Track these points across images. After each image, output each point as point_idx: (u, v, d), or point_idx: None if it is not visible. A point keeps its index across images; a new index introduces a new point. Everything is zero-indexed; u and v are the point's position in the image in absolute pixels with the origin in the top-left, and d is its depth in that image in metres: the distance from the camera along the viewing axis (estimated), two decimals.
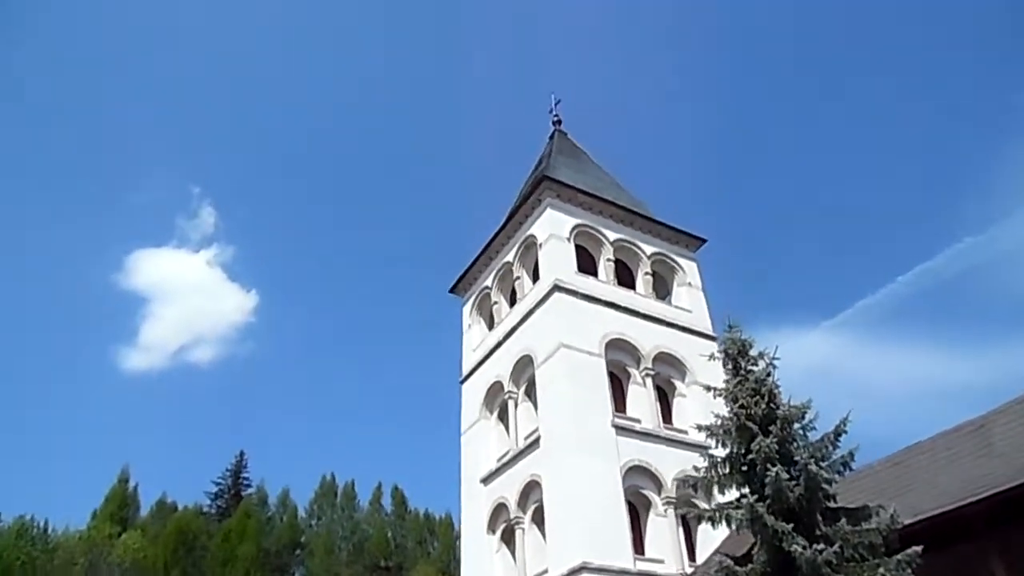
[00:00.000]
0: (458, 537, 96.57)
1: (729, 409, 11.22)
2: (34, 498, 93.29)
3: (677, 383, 20.98)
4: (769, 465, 9.81)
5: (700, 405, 19.78)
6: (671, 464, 18.52)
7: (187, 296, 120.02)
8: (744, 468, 10.80)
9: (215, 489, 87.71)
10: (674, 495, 18.13)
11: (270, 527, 79.99)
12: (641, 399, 19.83)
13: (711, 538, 18.17)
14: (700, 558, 17.83)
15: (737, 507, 10.28)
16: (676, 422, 20.19)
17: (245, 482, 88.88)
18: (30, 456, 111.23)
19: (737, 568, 9.67)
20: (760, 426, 10.62)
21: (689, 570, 17.09)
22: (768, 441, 10.13)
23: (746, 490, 10.81)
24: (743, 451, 10.85)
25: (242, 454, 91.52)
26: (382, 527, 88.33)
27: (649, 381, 20.21)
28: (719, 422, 11.38)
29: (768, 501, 9.74)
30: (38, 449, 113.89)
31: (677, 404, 20.78)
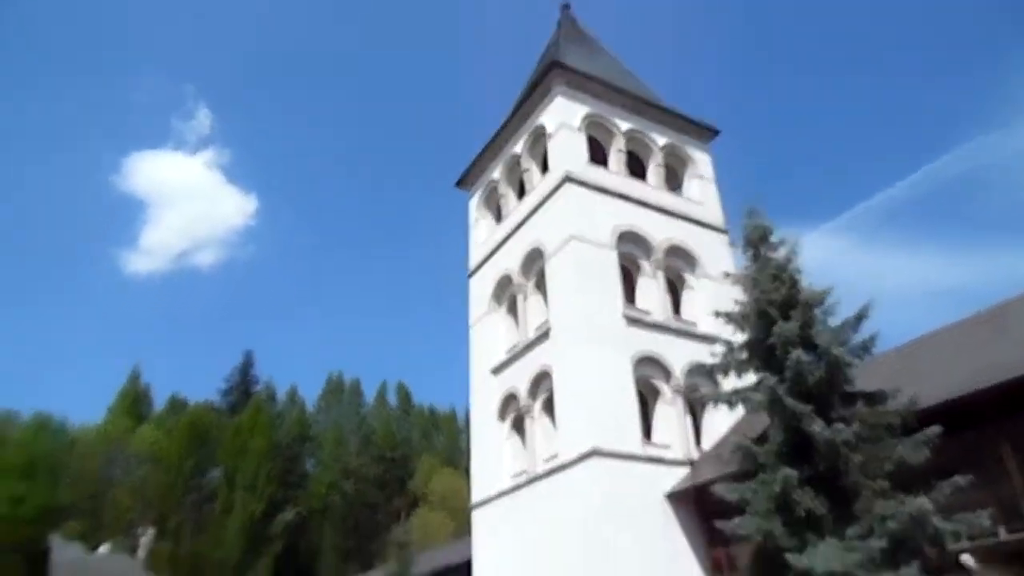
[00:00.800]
0: (461, 430, 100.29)
1: (748, 295, 11.08)
2: (50, 396, 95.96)
3: (687, 276, 20.85)
4: (790, 348, 9.74)
5: (710, 297, 19.79)
6: (680, 355, 18.65)
7: (186, 199, 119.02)
8: (762, 353, 10.77)
9: (225, 386, 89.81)
10: (683, 384, 18.33)
11: (280, 422, 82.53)
12: (651, 291, 19.75)
13: (717, 426, 18.59)
14: (706, 444, 18.24)
15: (755, 390, 10.31)
16: (686, 314, 20.20)
17: (253, 379, 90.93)
18: (45, 357, 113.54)
19: (754, 448, 9.76)
20: (780, 311, 10.51)
21: (696, 455, 17.49)
22: (789, 325, 10.03)
23: (763, 375, 10.87)
24: (762, 336, 10.79)
25: (249, 353, 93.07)
26: (388, 421, 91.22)
27: (660, 274, 20.06)
28: (738, 308, 11.28)
29: (787, 384, 9.73)
30: (52, 350, 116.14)
31: (687, 296, 20.73)
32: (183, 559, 63.60)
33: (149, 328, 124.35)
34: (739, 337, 11.28)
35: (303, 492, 77.53)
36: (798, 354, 9.57)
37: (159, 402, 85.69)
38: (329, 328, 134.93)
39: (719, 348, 11.46)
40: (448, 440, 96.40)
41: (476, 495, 20.34)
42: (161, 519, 66.90)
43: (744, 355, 11.00)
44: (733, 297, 12.01)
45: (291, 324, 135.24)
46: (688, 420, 18.36)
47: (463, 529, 57.12)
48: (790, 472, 8.95)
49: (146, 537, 52.43)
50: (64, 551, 25.47)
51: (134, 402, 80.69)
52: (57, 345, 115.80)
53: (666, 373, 18.40)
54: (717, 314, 11.52)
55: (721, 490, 9.74)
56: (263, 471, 70.14)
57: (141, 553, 47.33)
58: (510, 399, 20.09)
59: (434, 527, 60.31)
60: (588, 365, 17.20)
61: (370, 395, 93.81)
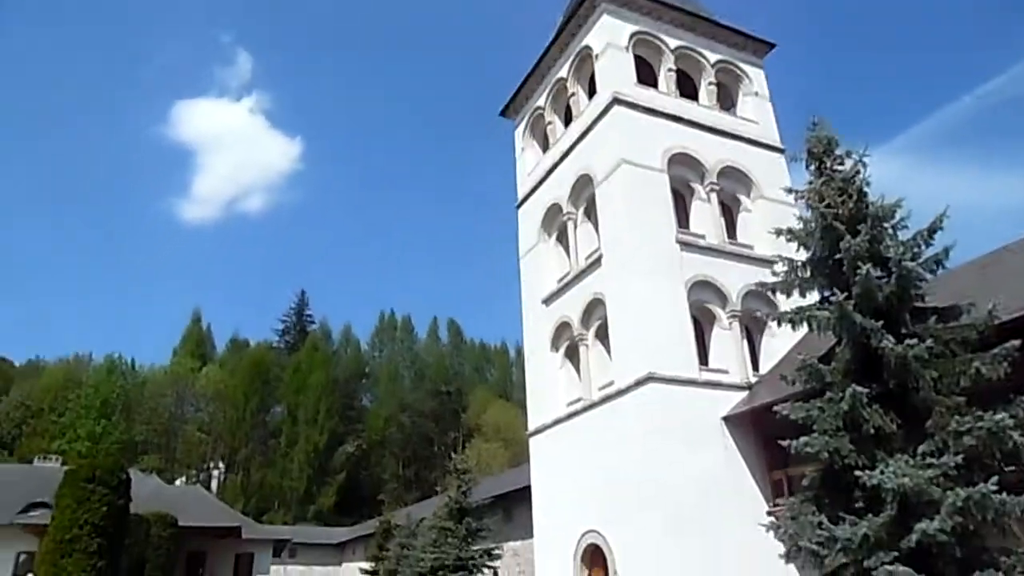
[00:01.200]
0: (513, 364, 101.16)
1: (813, 211, 10.62)
2: (119, 341, 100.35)
3: (742, 197, 20.21)
4: (859, 263, 9.33)
5: (766, 219, 19.14)
6: (736, 278, 18.25)
7: (233, 146, 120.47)
8: (828, 270, 10.38)
9: (281, 326, 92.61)
10: (739, 308, 17.99)
11: (336, 359, 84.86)
12: (705, 215, 19.23)
13: (774, 350, 18.28)
14: (764, 368, 17.99)
15: (821, 308, 9.98)
16: (741, 237, 19.67)
17: (308, 319, 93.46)
18: (111, 304, 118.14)
19: (821, 366, 9.51)
20: (848, 226, 10.05)
21: (753, 379, 17.29)
22: (858, 240, 9.59)
23: (829, 292, 10.53)
24: (828, 253, 10.38)
25: (303, 293, 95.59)
26: (440, 356, 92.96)
27: (713, 196, 19.48)
28: (800, 225, 10.85)
29: (855, 301, 9.37)
30: (117, 297, 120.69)
31: (742, 219, 20.14)
32: (253, 489, 66.95)
33: (206, 273, 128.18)
34: (802, 255, 10.88)
35: (362, 426, 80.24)
36: (867, 269, 9.16)
37: (220, 343, 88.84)
38: (379, 267, 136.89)
39: (781, 267, 11.08)
40: (500, 373, 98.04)
41: (532, 423, 20.63)
42: (230, 453, 70.30)
43: (808, 273, 10.61)
44: (791, 217, 11.58)
45: (342, 264, 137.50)
46: (744, 344, 18.09)
47: (518, 458, 58.52)
48: (859, 389, 8.69)
49: (217, 470, 55.38)
50: (143, 483, 26.96)
51: (197, 343, 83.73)
52: (123, 292, 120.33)
53: (722, 297, 18.06)
54: (779, 232, 11.08)
55: (786, 410, 9.55)
56: (323, 406, 72.67)
57: (214, 485, 49.94)
58: (563, 328, 20.07)
59: (489, 457, 61.86)
60: (641, 291, 16.97)
61: (422, 332, 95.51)
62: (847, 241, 9.66)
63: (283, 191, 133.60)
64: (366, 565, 31.60)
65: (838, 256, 9.85)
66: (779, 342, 18.25)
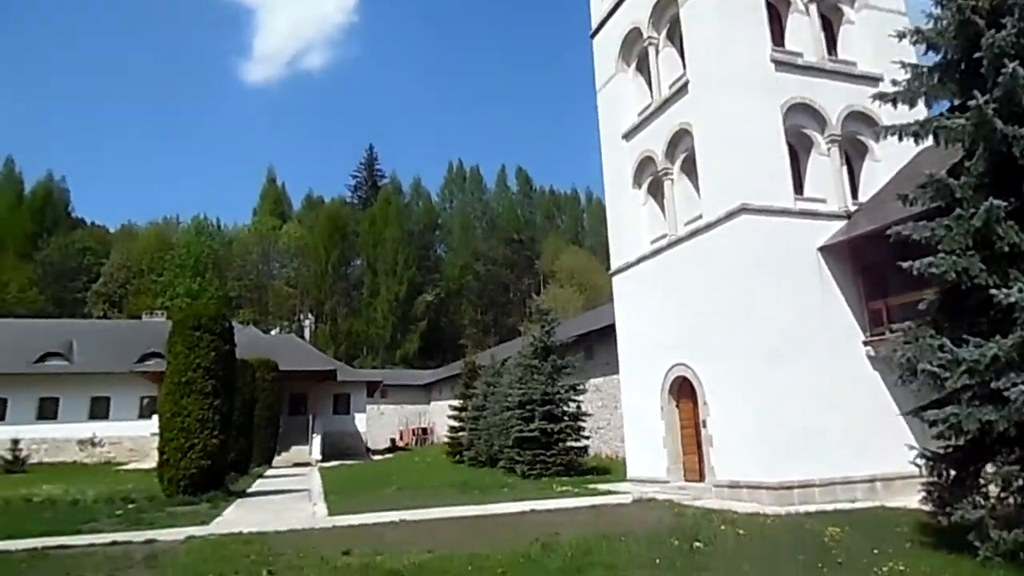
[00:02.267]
0: (583, 210, 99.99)
1: (946, 6, 9.27)
2: (203, 203, 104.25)
3: (844, 8, 18.13)
4: (1003, 62, 8.18)
5: (872, 31, 17.32)
6: (836, 99, 16.76)
7: (289, 2, 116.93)
8: (961, 73, 9.21)
9: (353, 182, 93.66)
10: (839, 132, 16.67)
11: (408, 212, 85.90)
12: (802, 30, 17.41)
13: (875, 177, 17.08)
14: (863, 196, 16.92)
15: (951, 116, 8.94)
16: (842, 53, 17.85)
17: (379, 174, 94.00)
18: (190, 167, 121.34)
19: (951, 181, 8.65)
20: (988, 19, 8.76)
21: (853, 208, 16.30)
22: (1002, 34, 8.35)
23: (953, 103, 9.44)
24: (960, 55, 9.17)
25: (371, 148, 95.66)
26: (511, 205, 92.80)
27: (812, 7, 17.55)
28: (931, 23, 9.53)
29: (996, 105, 8.31)
30: (195, 160, 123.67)
31: (844, 33, 18.18)
32: (342, 337, 70.77)
33: (276, 133, 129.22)
34: (928, 60, 9.67)
35: (439, 275, 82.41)
36: (1013, 68, 8.02)
37: (296, 201, 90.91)
38: (444, 117, 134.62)
39: (903, 75, 9.90)
40: (571, 220, 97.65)
41: (615, 262, 20.38)
42: (318, 305, 73.85)
43: (936, 79, 9.45)
44: (902, 26, 10.17)
45: (407, 116, 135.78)
46: (844, 171, 16.93)
47: (592, 303, 59.28)
48: (996, 203, 7.89)
49: (308, 320, 58.50)
50: (242, 333, 28.55)
51: (275, 202, 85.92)
52: (202, 156, 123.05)
53: (820, 120, 16.72)
54: (902, 36, 9.81)
55: (907, 230, 8.83)
56: (400, 258, 74.58)
57: (306, 334, 52.88)
58: (645, 164, 19.22)
59: (564, 301, 62.79)
60: (732, 118, 15.82)
61: (491, 181, 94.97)
62: (989, 36, 8.44)
63: (341, 45, 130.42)
64: (455, 402, 33.34)
65: (976, 55, 8.66)
66: (882, 167, 17.03)
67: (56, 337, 41.50)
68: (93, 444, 37.92)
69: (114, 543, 10.76)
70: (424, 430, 53.75)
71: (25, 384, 38.28)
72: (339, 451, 36.50)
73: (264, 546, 10.00)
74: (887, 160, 16.97)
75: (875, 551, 8.30)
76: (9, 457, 29.62)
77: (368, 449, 40.36)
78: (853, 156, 17.50)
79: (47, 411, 38.48)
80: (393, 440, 50.74)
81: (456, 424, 30.99)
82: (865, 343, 15.41)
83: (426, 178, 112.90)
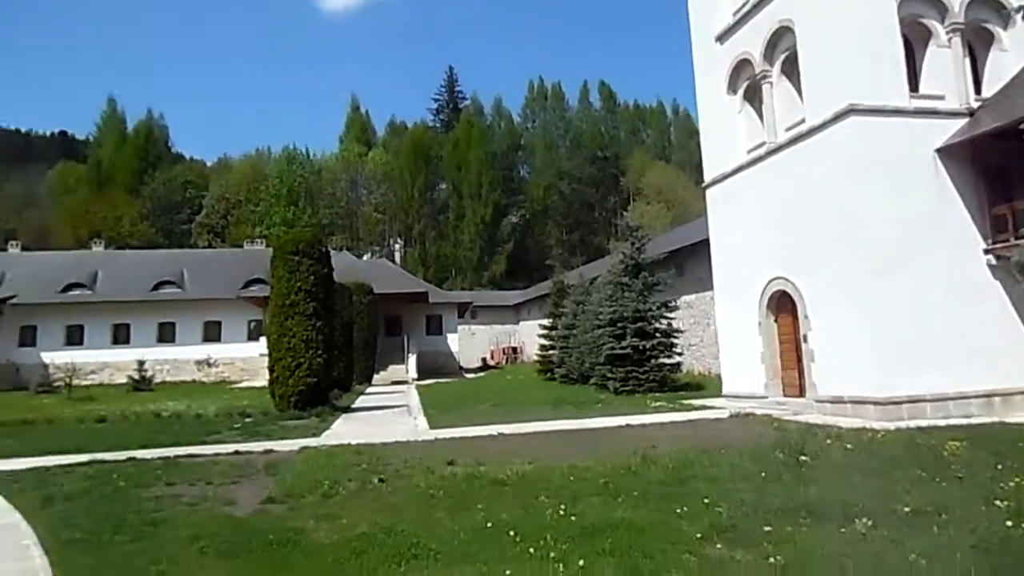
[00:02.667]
0: (670, 124, 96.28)
1: None
2: (292, 133, 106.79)
3: None
4: None
5: None
6: None
7: None
8: None
9: (435, 105, 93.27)
10: (962, 20, 15.07)
11: (491, 133, 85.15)
12: None
13: (1002, 69, 15.49)
14: (987, 91, 15.41)
15: None
16: None
17: (460, 96, 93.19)
18: (278, 99, 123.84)
19: None
20: None
21: (975, 104, 14.90)
22: None
23: None
24: None
25: (451, 70, 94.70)
26: (595, 122, 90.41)
27: None
28: None
29: None
30: (283, 92, 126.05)
31: None
32: (431, 261, 72.17)
33: (358, 60, 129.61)
34: None
35: (523, 196, 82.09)
36: None
37: (380, 127, 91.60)
38: (523, 35, 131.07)
39: None
40: (657, 135, 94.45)
41: (709, 174, 19.58)
42: (406, 230, 75.27)
43: None
44: None
45: (485, 36, 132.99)
46: (967, 63, 15.40)
47: (681, 219, 57.77)
48: None
49: (398, 245, 59.83)
50: (337, 258, 29.41)
51: (361, 130, 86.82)
52: (288, 87, 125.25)
53: (939, 8, 15.15)
54: None
55: None
56: (484, 180, 74.52)
57: (397, 258, 54.17)
58: (741, 67, 18.08)
59: (652, 219, 61.47)
60: (840, 7, 14.54)
61: (573, 98, 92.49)
62: None
63: None
64: (544, 321, 33.66)
65: None
66: (1010, 58, 15.42)
67: (168, 266, 44.19)
68: (209, 364, 40.73)
69: (236, 453, 11.58)
70: (514, 349, 54.81)
71: (145, 310, 41.22)
72: (433, 370, 37.78)
73: (372, 456, 10.51)
74: (1016, 49, 15.34)
75: (999, 466, 7.90)
76: (136, 377, 32.18)
77: (461, 368, 41.60)
78: (977, 47, 15.89)
79: (166, 335, 41.46)
80: (484, 359, 52.05)
81: (546, 343, 31.35)
82: (986, 251, 14.35)
83: (507, 98, 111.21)
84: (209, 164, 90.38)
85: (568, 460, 9.32)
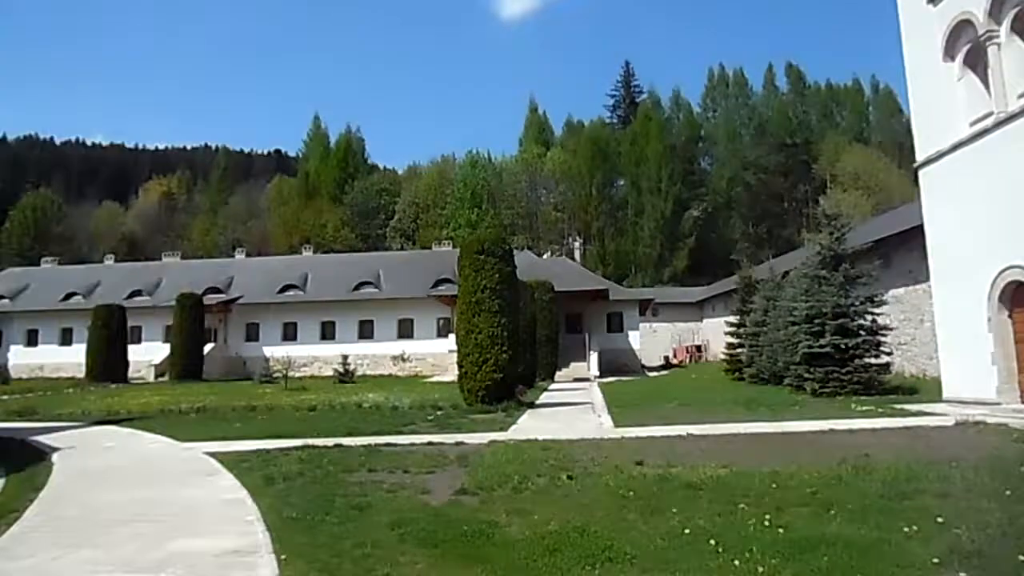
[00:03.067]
0: (868, 103, 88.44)
1: None
2: (474, 138, 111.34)
3: None
4: None
5: None
6: None
7: None
8: None
9: (611, 102, 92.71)
10: None
11: (669, 126, 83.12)
12: None
13: None
14: None
15: None
16: None
17: (636, 90, 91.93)
18: (457, 106, 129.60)
19: None
20: None
21: None
22: None
23: None
24: None
25: (627, 65, 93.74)
26: (781, 107, 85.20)
27: None
28: None
29: None
30: (464, 99, 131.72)
31: None
32: (610, 258, 71.77)
33: (534, 62, 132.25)
34: None
35: (705, 189, 79.27)
36: None
37: (557, 127, 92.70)
38: (699, 21, 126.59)
39: None
40: (853, 115, 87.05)
41: (923, 152, 17.51)
42: (585, 227, 75.49)
43: None
44: None
45: (662, 28, 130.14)
46: None
47: (882, 206, 52.69)
48: None
49: (577, 242, 60.05)
50: (519, 257, 30.06)
51: (539, 130, 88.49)
52: (469, 95, 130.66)
53: None
54: None
55: None
56: (664, 174, 72.87)
57: (576, 256, 54.39)
58: (960, 29, 15.99)
59: (849, 207, 56.58)
60: None
61: (757, 83, 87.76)
62: None
63: None
64: (731, 318, 32.11)
65: None
66: None
67: (367, 268, 47.74)
68: (403, 359, 43.40)
69: (430, 443, 12.09)
70: (698, 347, 52.97)
71: (347, 309, 44.86)
72: (615, 368, 37.44)
73: (559, 452, 10.48)
74: None
75: None
76: (341, 370, 34.98)
77: (643, 366, 40.88)
78: None
79: (366, 331, 44.81)
80: (666, 357, 50.79)
81: (734, 341, 29.88)
82: None
83: (685, 89, 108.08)
84: (400, 172, 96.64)
85: (767, 465, 8.68)
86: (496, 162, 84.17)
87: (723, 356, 32.25)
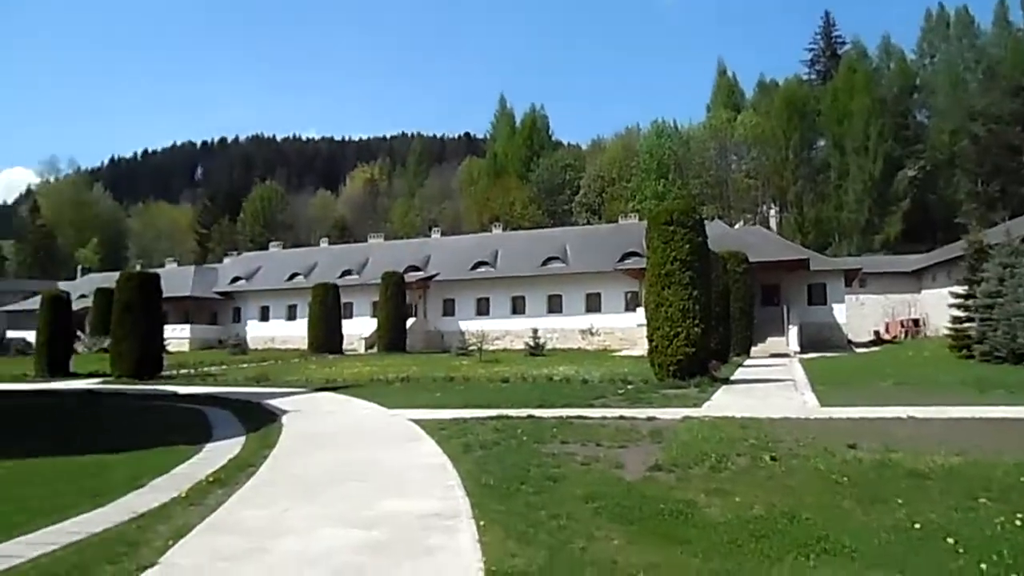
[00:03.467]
0: None
1: None
2: (659, 108, 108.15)
3: None
4: None
5: None
6: None
7: None
8: None
9: (809, 56, 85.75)
10: None
11: (878, 77, 75.37)
12: None
13: None
14: None
15: None
16: None
17: (838, 41, 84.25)
18: (640, 74, 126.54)
19: None
20: None
21: None
22: None
23: None
24: None
25: (827, 14, 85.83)
26: (1016, 45, 73.74)
27: None
28: None
29: None
30: (647, 68, 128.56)
31: None
32: (810, 225, 66.82)
33: (720, 23, 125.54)
34: None
35: (922, 145, 71.15)
36: None
37: (748, 89, 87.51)
38: None
39: None
40: None
41: None
42: (780, 194, 70.89)
43: None
44: None
45: None
46: None
47: None
48: None
49: (773, 210, 56.48)
50: (710, 228, 28.83)
51: (728, 94, 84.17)
52: (652, 63, 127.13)
53: None
54: None
55: None
56: (872, 131, 66.29)
57: (772, 224, 51.25)
58: None
59: None
60: None
61: (985, 20, 76.55)
62: None
63: None
64: (956, 289, 28.51)
65: None
66: None
67: (554, 243, 48.43)
68: (591, 333, 43.58)
69: (621, 417, 11.96)
70: (915, 321, 47.77)
71: (536, 284, 45.91)
72: (816, 343, 34.87)
73: (759, 431, 9.90)
74: None
75: None
76: (531, 344, 35.82)
77: (849, 341, 37.71)
78: None
79: (554, 305, 45.60)
80: (876, 332, 46.41)
81: (960, 314, 26.51)
82: None
83: (896, 35, 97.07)
84: (584, 147, 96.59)
85: (1010, 455, 7.56)
86: (682, 130, 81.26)
87: (946, 331, 28.75)
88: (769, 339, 33.82)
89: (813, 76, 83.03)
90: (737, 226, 51.46)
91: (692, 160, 75.94)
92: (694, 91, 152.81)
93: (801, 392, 15.66)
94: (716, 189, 75.02)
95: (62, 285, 54.67)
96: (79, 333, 39.45)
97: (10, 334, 56.08)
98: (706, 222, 22.44)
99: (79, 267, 76.35)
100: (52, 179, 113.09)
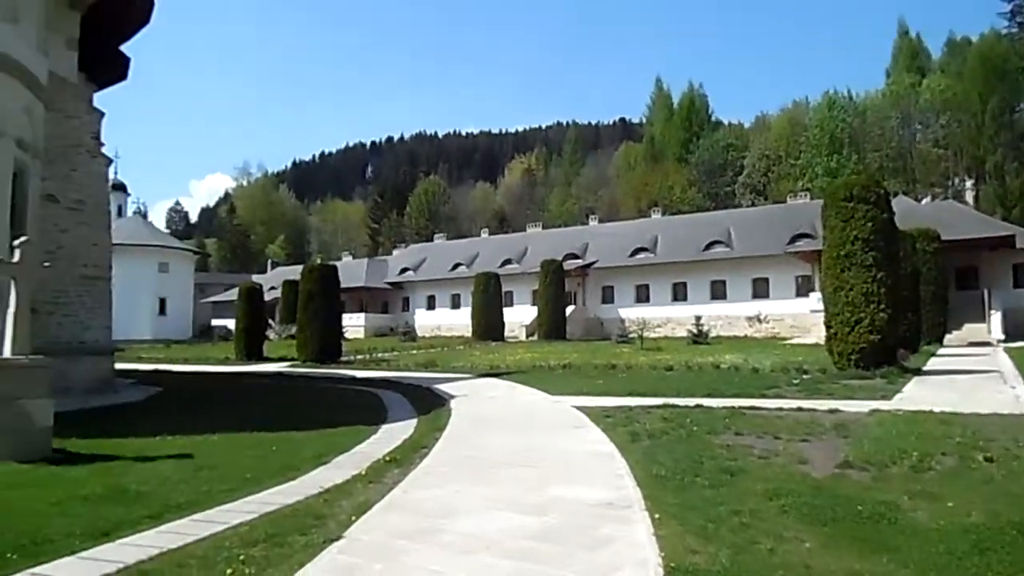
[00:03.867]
0: None
1: None
2: (831, 78, 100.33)
3: None
4: None
5: None
6: None
7: None
8: None
9: (1009, 7, 75.60)
10: None
11: None
12: None
13: None
14: None
15: None
16: None
17: None
18: (809, 45, 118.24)
19: None
20: None
21: None
22: None
23: None
24: None
25: None
26: None
27: None
28: None
29: None
30: (819, 39, 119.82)
31: None
32: (1013, 198, 59.12)
33: None
34: None
35: None
36: None
37: (935, 51, 78.98)
38: None
39: None
40: None
41: None
42: (976, 164, 63.43)
43: None
44: None
45: None
46: None
47: None
48: None
49: (967, 183, 50.59)
50: (894, 203, 26.31)
51: (911, 57, 76.50)
52: (822, 27, 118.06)
53: None
54: None
55: None
56: None
57: (968, 198, 45.95)
58: None
59: None
60: None
61: None
62: None
63: None
64: None
65: None
66: None
67: (716, 227, 46.49)
68: (759, 320, 41.44)
69: (800, 409, 11.15)
70: None
71: (698, 269, 44.35)
72: None
73: (965, 428, 8.82)
74: None
75: None
76: (695, 331, 34.61)
77: None
78: None
79: (718, 292, 43.85)
80: None
81: None
82: None
83: None
84: (747, 125, 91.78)
85: None
86: (857, 100, 74.88)
87: None
88: (966, 326, 30.43)
89: (1015, 29, 73.15)
90: (925, 201, 46.67)
91: (869, 132, 69.79)
92: (870, 57, 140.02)
93: (1012, 385, 13.85)
94: (898, 162, 68.48)
95: (255, 278, 60.50)
96: (270, 321, 43.31)
97: (214, 322, 62.91)
98: (890, 197, 20.44)
99: (269, 261, 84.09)
100: (245, 183, 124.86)
